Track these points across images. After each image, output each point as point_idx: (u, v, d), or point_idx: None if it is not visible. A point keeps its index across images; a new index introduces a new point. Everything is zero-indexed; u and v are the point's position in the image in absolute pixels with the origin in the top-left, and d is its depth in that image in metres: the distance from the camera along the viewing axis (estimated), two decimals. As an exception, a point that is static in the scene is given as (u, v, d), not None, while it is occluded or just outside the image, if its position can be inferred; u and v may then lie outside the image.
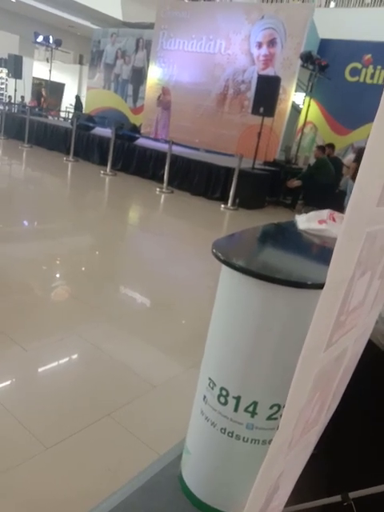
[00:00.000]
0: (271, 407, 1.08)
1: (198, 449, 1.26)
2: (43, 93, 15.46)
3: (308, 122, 9.30)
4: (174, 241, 5.00)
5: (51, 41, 12.47)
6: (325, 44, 9.18)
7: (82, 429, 1.75)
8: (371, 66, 8.70)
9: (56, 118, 13.17)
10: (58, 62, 16.76)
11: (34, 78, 17.24)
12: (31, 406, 1.87)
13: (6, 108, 12.02)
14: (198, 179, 7.58)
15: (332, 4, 12.15)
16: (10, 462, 1.54)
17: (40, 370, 2.19)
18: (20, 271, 3.31)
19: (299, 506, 1.13)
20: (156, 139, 9.61)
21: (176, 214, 6.43)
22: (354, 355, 1.03)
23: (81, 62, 19.64)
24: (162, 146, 8.16)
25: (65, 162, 8.99)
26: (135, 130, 9.70)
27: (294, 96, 9.31)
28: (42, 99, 15.27)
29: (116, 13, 14.64)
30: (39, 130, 10.34)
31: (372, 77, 8.72)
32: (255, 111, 7.57)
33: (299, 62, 8.69)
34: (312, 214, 1.35)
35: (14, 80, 11.99)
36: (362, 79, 8.83)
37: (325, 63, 8.70)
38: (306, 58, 8.35)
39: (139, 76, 12.40)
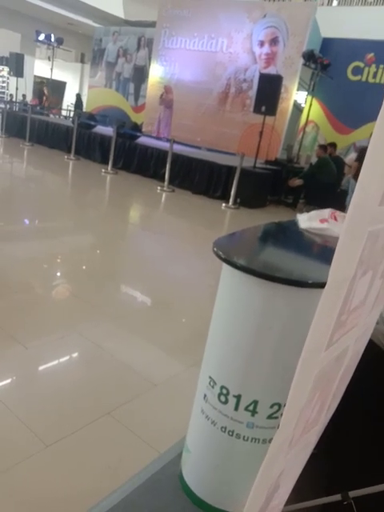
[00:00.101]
0: (271, 406, 1.08)
1: (198, 447, 1.26)
2: (45, 91, 15.45)
3: (310, 120, 9.29)
4: (174, 239, 5.00)
5: (53, 39, 12.46)
6: (327, 43, 9.16)
7: (82, 427, 1.75)
8: (374, 65, 8.67)
9: (57, 117, 13.17)
10: (60, 61, 16.73)
11: (35, 76, 17.23)
12: (32, 403, 1.87)
13: (8, 106, 12.02)
14: (200, 178, 7.57)
15: (334, 3, 12.11)
16: (10, 460, 1.54)
17: (41, 368, 2.19)
18: (21, 269, 3.31)
19: (299, 505, 1.13)
20: (157, 138, 9.60)
21: (177, 213, 6.42)
22: (355, 355, 1.03)
23: (82, 61, 19.62)
24: (164, 145, 8.15)
25: (66, 160, 8.99)
26: (136, 128, 9.69)
27: (295, 95, 9.28)
28: (44, 97, 15.26)
29: (118, 11, 14.62)
30: (40, 128, 10.34)
31: (374, 76, 8.70)
32: (257, 110, 7.56)
33: (301, 60, 8.67)
34: (313, 213, 1.35)
35: (15, 78, 11.99)
36: (364, 78, 8.81)
37: (327, 62, 8.69)
38: (308, 57, 8.33)
39: (141, 74, 12.39)
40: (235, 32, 9.80)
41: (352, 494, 1.06)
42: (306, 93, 9.33)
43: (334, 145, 7.74)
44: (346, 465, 1.35)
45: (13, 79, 12.91)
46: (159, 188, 7.45)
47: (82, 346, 2.39)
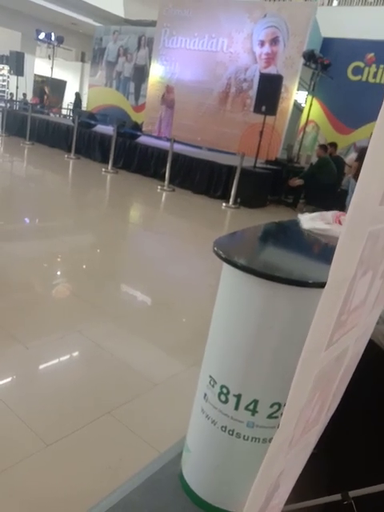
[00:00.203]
0: (272, 406, 1.08)
1: (198, 447, 1.26)
2: (46, 90, 15.45)
3: (310, 120, 9.29)
4: (175, 239, 5.00)
5: (53, 38, 12.46)
6: (327, 43, 9.15)
7: (82, 426, 1.76)
8: (374, 65, 8.67)
9: (58, 116, 13.16)
10: (60, 60, 16.73)
11: (35, 75, 17.21)
12: (32, 403, 1.87)
13: (8, 105, 12.01)
14: (200, 177, 7.57)
15: (335, 2, 12.10)
16: (10, 459, 1.54)
17: (41, 367, 2.19)
18: (21, 269, 3.32)
19: (299, 505, 1.13)
20: (158, 137, 9.60)
21: (177, 213, 6.42)
22: (355, 355, 1.03)
23: (83, 60, 19.62)
24: (164, 144, 8.15)
25: (66, 159, 8.99)
26: (137, 127, 9.69)
27: (296, 95, 9.28)
28: (45, 96, 15.26)
29: (118, 10, 14.62)
30: (41, 127, 10.34)
31: (374, 76, 8.70)
32: (257, 110, 7.55)
33: (301, 60, 8.67)
34: (316, 214, 1.34)
35: (15, 77, 11.99)
36: (364, 78, 8.81)
37: (327, 62, 8.68)
38: (309, 57, 8.33)
39: (141, 74, 12.39)
40: (235, 32, 9.80)
41: (352, 493, 1.06)
42: (307, 93, 9.32)
43: (334, 145, 7.74)
44: (346, 464, 1.35)
45: (13, 78, 12.92)
46: (159, 187, 7.44)
47: (83, 346, 2.39)
